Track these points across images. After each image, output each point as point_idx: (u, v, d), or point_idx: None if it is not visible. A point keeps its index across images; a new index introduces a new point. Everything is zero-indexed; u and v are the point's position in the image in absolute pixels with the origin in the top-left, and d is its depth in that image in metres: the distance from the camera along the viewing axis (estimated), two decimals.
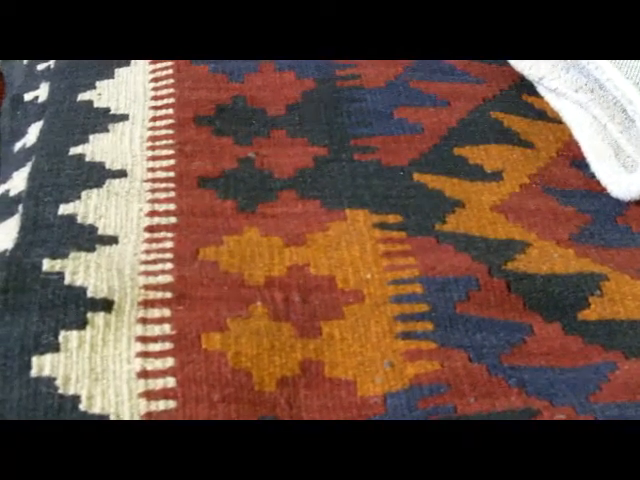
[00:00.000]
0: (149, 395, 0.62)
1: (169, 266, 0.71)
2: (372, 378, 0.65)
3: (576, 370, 0.65)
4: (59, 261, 0.70)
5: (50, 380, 0.62)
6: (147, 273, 0.71)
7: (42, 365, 0.63)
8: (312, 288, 0.70)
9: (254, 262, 0.72)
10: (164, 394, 0.62)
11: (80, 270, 0.70)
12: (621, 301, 0.70)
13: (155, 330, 0.67)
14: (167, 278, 0.70)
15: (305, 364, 0.65)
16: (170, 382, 0.63)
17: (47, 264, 0.70)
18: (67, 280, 0.69)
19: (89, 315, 0.67)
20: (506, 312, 0.69)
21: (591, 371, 0.65)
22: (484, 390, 0.64)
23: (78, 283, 0.69)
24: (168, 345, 0.66)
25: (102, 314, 0.67)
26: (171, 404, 0.62)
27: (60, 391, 0.62)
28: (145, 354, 0.65)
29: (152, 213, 0.76)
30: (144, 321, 0.67)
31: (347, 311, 0.69)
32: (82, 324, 0.66)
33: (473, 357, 0.66)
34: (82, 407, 0.61)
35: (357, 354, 0.66)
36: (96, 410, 0.61)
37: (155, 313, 0.68)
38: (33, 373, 0.63)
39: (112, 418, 0.61)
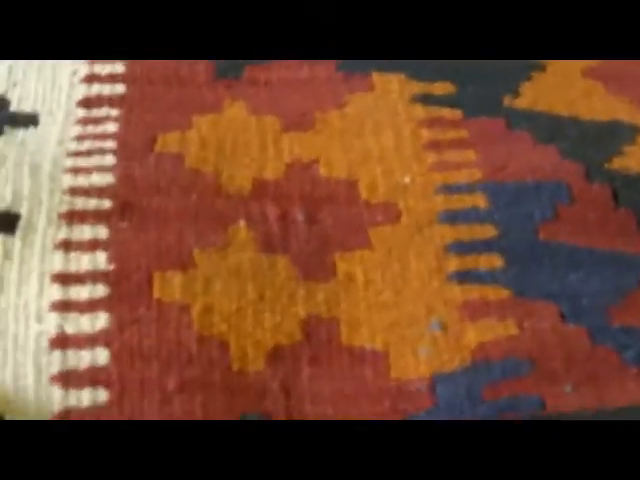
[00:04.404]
0: (68, 380, 0.40)
1: (110, 160, 0.49)
2: (413, 348, 0.42)
3: None
4: None
5: None
6: (76, 170, 0.48)
7: None
8: (322, 199, 0.47)
9: (237, 156, 0.49)
10: (91, 379, 0.40)
11: None
12: None
13: (83, 263, 0.44)
14: (106, 178, 0.48)
15: (311, 325, 0.43)
16: (101, 357, 0.41)
17: None
18: None
19: None
20: (613, 237, 0.46)
21: None
22: (586, 370, 0.41)
23: None
24: (101, 291, 0.43)
25: (0, 237, 0.45)
26: (101, 396, 0.40)
27: None
28: (65, 306, 0.42)
29: (91, 78, 0.53)
30: (66, 247, 0.45)
31: (374, 236, 0.46)
32: None
33: (567, 313, 0.43)
34: None
35: (390, 307, 0.43)
36: None
37: (85, 233, 0.45)
38: None
39: (9, 417, 0.39)
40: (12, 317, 0.42)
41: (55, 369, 0.41)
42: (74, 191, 0.47)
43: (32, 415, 0.39)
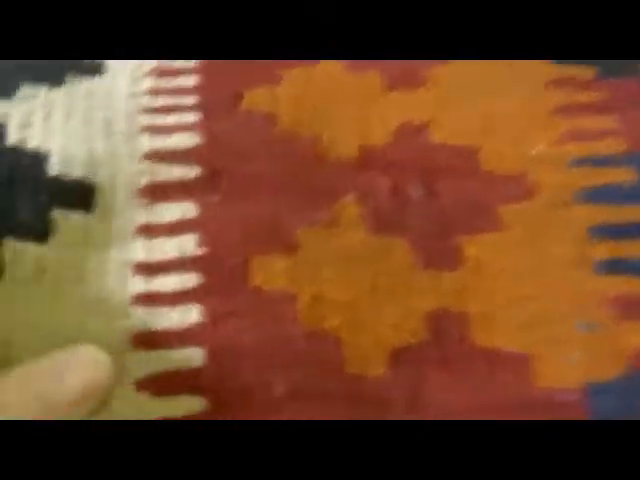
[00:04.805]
0: (157, 385, 0.34)
1: (192, 118, 0.42)
2: (560, 351, 0.36)
3: None
4: None
5: None
6: (154, 130, 0.41)
7: None
8: (440, 170, 0.41)
9: (336, 118, 0.42)
10: (184, 384, 0.34)
11: (35, 121, 0.40)
12: None
13: (168, 248, 0.37)
14: (190, 140, 0.41)
15: (437, 321, 0.36)
16: (194, 358, 0.35)
17: None
18: (10, 138, 0.40)
19: (53, 216, 0.38)
20: None
21: None
22: None
23: (33, 145, 0.39)
24: (191, 280, 0.37)
25: (74, 214, 0.38)
26: (197, 405, 0.33)
27: None
28: (151, 299, 0.36)
29: None
30: (149, 229, 0.38)
31: (504, 216, 0.39)
32: (42, 231, 0.37)
33: None
34: None
35: (529, 302, 0.37)
36: None
37: (169, 212, 0.38)
38: None
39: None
40: (92, 311, 0.36)
41: (142, 372, 0.34)
42: (154, 156, 0.40)
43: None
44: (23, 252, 0.36)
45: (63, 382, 0.32)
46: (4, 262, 0.36)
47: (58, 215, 0.37)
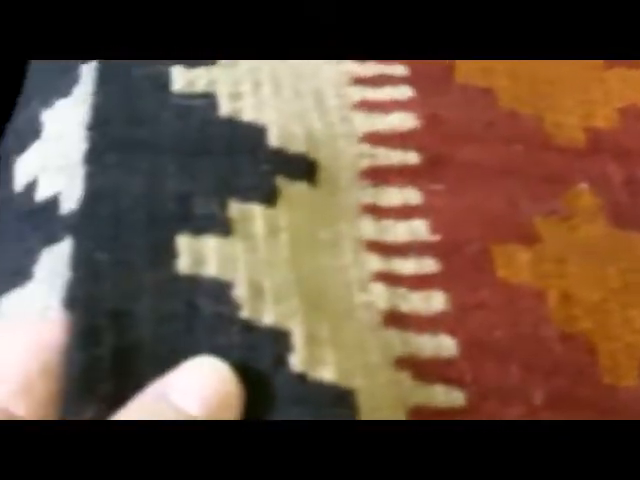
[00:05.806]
0: (416, 369, 0.32)
1: (406, 92, 0.39)
2: None
3: None
4: (201, 70, 0.38)
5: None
6: (370, 106, 0.39)
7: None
8: None
9: (557, 98, 0.40)
10: (440, 373, 0.32)
11: (245, 91, 0.38)
12: None
13: (399, 232, 0.35)
14: (407, 121, 0.38)
15: None
16: (447, 346, 0.33)
17: (181, 77, 0.38)
18: (223, 110, 0.37)
19: (277, 182, 0.35)
20: None
21: None
22: None
23: (248, 118, 0.37)
24: (430, 265, 0.35)
25: (298, 184, 0.36)
26: (457, 398, 0.32)
27: None
28: (391, 279, 0.34)
29: None
30: (375, 212, 0.36)
31: None
32: (267, 194, 0.35)
33: None
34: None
35: None
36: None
37: (393, 198, 0.36)
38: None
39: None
40: (331, 279, 0.34)
41: (399, 352, 0.32)
42: (372, 138, 0.37)
43: (383, 410, 0.31)
44: (251, 211, 0.34)
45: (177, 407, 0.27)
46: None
47: (282, 182, 0.35)
